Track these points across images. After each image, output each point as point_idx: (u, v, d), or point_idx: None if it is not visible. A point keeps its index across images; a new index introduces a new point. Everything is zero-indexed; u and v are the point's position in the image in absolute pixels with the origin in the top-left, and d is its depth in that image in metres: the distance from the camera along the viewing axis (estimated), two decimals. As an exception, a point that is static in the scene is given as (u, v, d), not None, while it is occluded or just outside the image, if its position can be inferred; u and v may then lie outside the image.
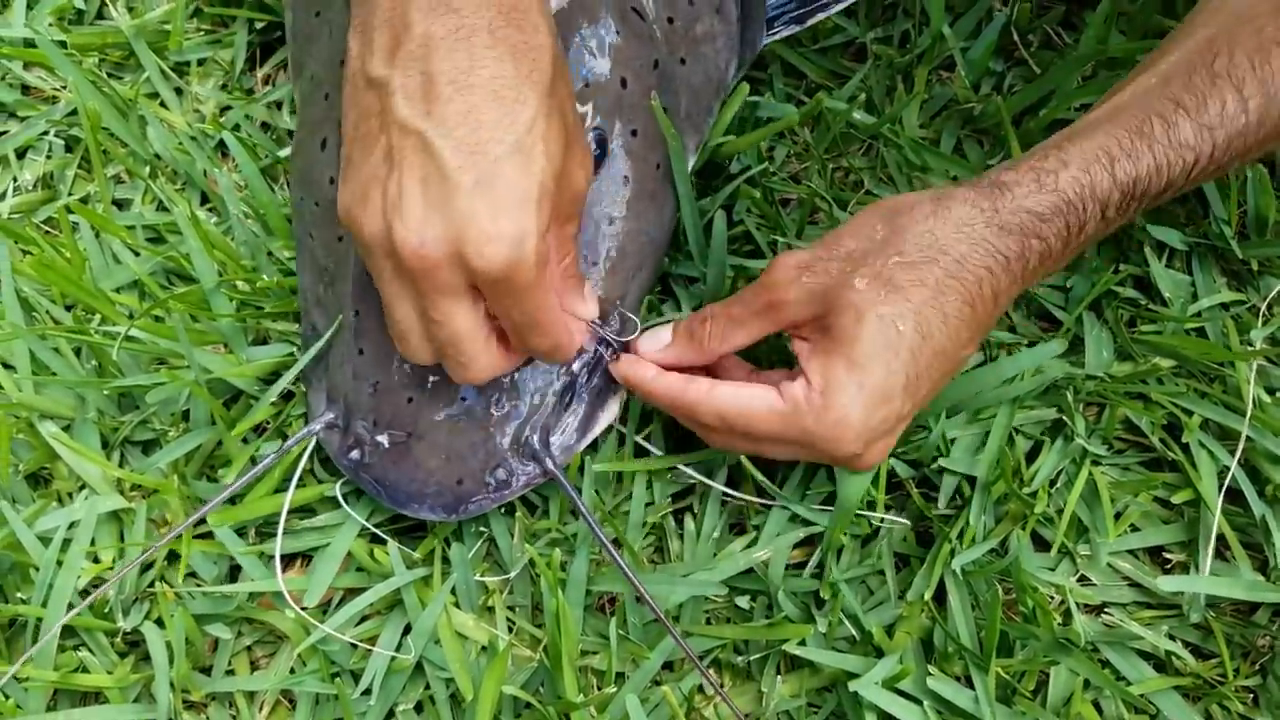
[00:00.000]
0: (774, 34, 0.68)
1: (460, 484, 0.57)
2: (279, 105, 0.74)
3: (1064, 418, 0.64)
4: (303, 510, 0.62)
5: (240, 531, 0.61)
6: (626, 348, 0.58)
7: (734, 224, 0.68)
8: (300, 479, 0.60)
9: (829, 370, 0.50)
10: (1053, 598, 0.62)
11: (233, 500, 0.61)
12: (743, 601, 0.59)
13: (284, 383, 0.60)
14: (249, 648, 0.61)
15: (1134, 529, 0.64)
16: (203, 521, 0.61)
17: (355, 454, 0.58)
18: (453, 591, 0.60)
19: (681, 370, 0.56)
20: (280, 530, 0.58)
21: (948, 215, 0.51)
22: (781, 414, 0.51)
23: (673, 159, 0.61)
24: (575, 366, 0.58)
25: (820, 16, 0.68)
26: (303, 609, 0.60)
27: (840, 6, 0.67)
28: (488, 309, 0.49)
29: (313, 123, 0.62)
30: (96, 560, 0.60)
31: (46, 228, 0.70)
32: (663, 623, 0.54)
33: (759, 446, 0.55)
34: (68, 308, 0.66)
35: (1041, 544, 0.64)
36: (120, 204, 0.71)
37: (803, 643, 0.58)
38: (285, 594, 0.57)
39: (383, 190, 0.46)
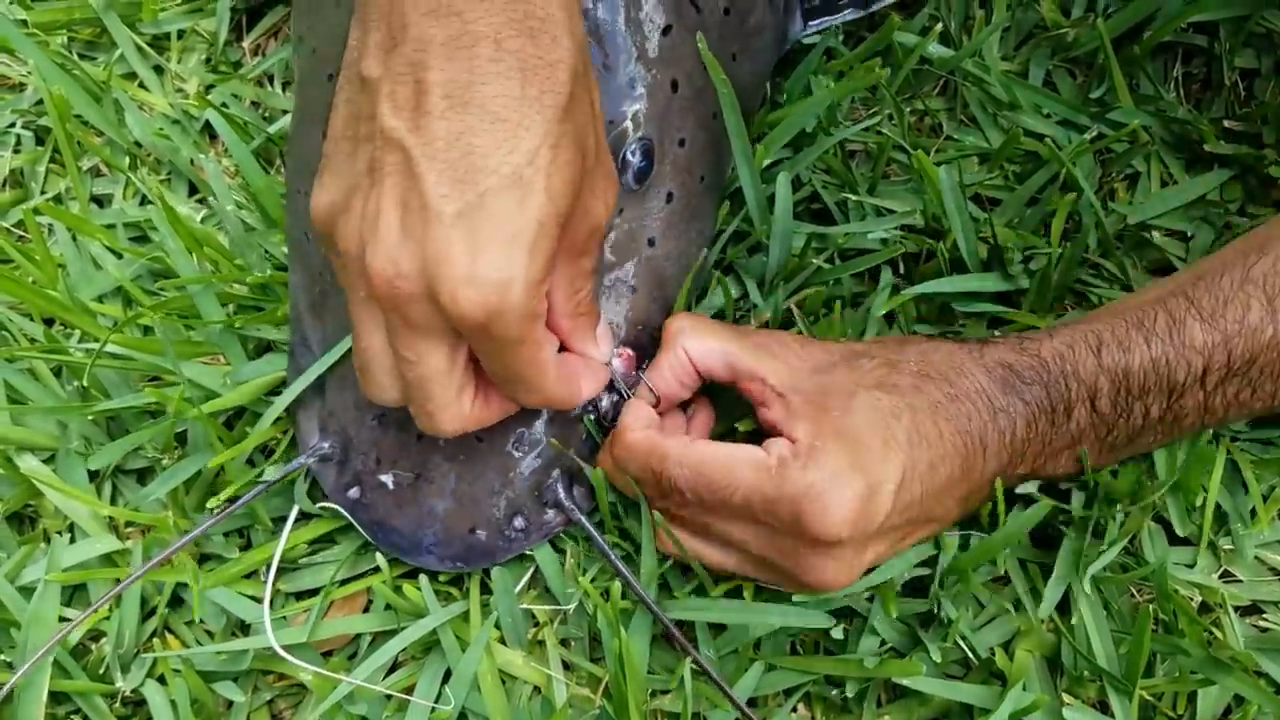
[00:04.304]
0: (838, 17, 0.62)
1: (473, 532, 0.50)
2: (270, 79, 0.65)
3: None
4: (323, 540, 0.54)
5: (253, 573, 0.53)
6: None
7: (798, 184, 0.59)
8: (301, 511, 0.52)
9: (817, 432, 0.45)
10: (1190, 599, 0.54)
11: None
12: (836, 631, 0.50)
13: (287, 398, 0.52)
14: (270, 701, 0.53)
15: (1282, 516, 0.55)
16: (206, 559, 0.53)
17: (354, 492, 0.51)
18: (496, 625, 0.52)
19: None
20: (269, 585, 0.51)
21: (939, 347, 0.49)
22: (766, 468, 0.44)
23: (725, 111, 0.52)
24: (604, 405, 0.51)
25: (887, 2, 0.61)
26: (327, 654, 0.52)
27: None
28: (471, 353, 0.43)
29: (313, 106, 0.53)
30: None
31: (18, 231, 0.62)
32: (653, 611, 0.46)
33: (729, 529, 0.47)
34: (47, 322, 0.59)
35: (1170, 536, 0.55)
36: (100, 200, 0.63)
37: (910, 672, 0.50)
38: (284, 654, 0.49)
39: (363, 203, 0.40)
